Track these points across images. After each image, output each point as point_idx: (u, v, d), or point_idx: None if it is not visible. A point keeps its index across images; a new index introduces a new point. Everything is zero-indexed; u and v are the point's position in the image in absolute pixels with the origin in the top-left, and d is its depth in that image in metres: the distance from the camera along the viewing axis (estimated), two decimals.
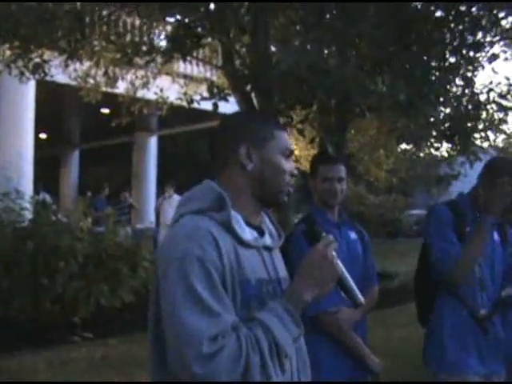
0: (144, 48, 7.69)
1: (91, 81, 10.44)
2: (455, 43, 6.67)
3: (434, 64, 6.57)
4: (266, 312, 1.77)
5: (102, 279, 8.62)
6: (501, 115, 8.82)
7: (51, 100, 14.84)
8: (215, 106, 6.53)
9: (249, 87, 6.68)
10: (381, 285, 3.88)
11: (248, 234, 1.92)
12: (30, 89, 12.83)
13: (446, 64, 6.67)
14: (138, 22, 9.07)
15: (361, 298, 1.93)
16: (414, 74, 5.95)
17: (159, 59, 7.73)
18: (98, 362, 7.42)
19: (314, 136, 7.21)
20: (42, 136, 19.69)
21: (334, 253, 1.87)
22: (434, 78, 6.37)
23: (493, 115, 8.64)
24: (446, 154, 10.23)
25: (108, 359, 7.53)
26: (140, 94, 11.22)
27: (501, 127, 9.13)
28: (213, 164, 2.03)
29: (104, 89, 10.61)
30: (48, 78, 9.10)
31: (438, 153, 10.29)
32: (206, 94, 7.08)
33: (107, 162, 22.24)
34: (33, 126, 13.26)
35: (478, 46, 6.90)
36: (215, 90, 6.68)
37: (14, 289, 8.14)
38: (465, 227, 3.38)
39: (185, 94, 9.78)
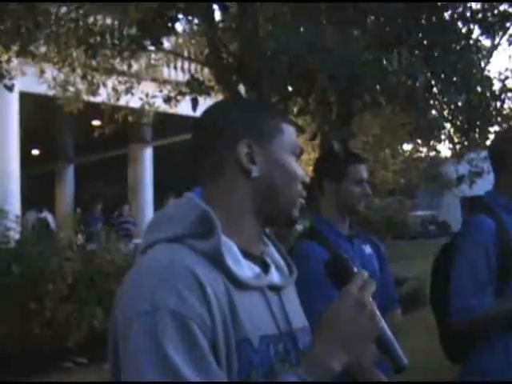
0: (111, 38, 6.98)
1: (71, 89, 9.84)
2: (479, 16, 5.94)
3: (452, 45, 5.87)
4: None
5: (95, 300, 8.15)
6: None
7: (41, 114, 14.42)
8: (195, 101, 5.95)
9: (235, 77, 6.00)
10: None
11: (246, 269, 1.37)
12: (13, 103, 12.40)
13: (470, 42, 5.96)
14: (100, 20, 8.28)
15: (405, 360, 1.36)
16: (432, 53, 5.28)
17: (129, 51, 7.05)
18: None
19: (315, 132, 6.47)
20: (35, 152, 19.28)
21: (370, 298, 1.32)
22: (454, 58, 5.66)
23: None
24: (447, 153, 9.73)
25: None
26: (124, 101, 10.57)
27: None
28: (195, 173, 1.48)
29: (86, 97, 9.96)
30: (30, 90, 8.59)
31: (448, 151, 9.74)
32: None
33: (103, 175, 21.81)
34: (18, 142, 12.76)
35: (506, 16, 6.23)
36: (195, 85, 6.12)
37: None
38: (510, 240, 2.74)
39: (160, 91, 9.15)
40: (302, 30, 4.77)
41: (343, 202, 2.96)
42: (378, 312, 1.32)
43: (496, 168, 2.93)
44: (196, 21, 7.02)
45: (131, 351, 1.21)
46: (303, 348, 1.38)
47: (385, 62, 4.72)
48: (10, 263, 7.89)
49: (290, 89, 5.50)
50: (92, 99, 10.06)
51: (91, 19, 7.53)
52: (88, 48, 6.88)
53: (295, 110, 6.27)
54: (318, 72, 4.66)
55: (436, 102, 6.28)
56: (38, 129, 15.13)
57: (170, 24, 5.48)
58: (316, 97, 5.60)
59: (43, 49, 8.10)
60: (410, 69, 4.78)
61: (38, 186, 19.38)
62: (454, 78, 5.61)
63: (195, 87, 6.28)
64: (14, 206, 11.77)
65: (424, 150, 10.14)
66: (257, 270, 1.40)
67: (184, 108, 9.34)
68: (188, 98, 7.55)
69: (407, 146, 11.26)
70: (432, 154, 10.57)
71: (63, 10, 7.00)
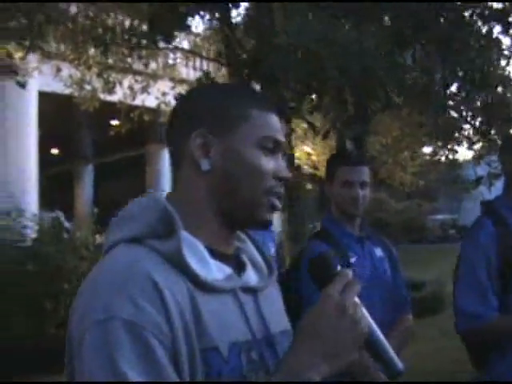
0: (122, 34, 6.80)
1: (87, 87, 9.76)
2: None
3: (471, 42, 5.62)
4: None
5: None
6: None
7: (60, 114, 14.46)
8: None
9: (247, 74, 5.79)
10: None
11: (215, 270, 1.21)
12: (32, 102, 12.47)
13: (490, 40, 5.71)
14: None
15: (399, 366, 1.22)
16: (450, 48, 5.05)
17: (138, 47, 6.88)
18: None
19: (327, 130, 6.18)
20: (54, 151, 19.36)
21: (356, 299, 1.15)
22: (473, 54, 5.42)
23: None
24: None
25: None
26: (140, 100, 10.51)
27: None
28: (171, 165, 1.34)
29: (102, 96, 9.88)
30: (48, 89, 8.58)
31: (467, 153, 9.51)
32: None
33: (122, 175, 21.85)
34: (36, 142, 12.78)
35: None
36: (206, 81, 5.97)
37: (14, 313, 7.67)
38: None
39: (172, 87, 8.99)
40: (316, 24, 4.58)
41: (335, 205, 2.90)
42: (365, 315, 1.17)
43: (504, 173, 2.89)
44: (208, 17, 6.91)
45: (84, 366, 1.07)
46: (282, 355, 1.22)
47: (398, 56, 4.55)
48: (26, 262, 7.90)
49: (303, 86, 5.30)
50: (109, 98, 10.05)
51: (104, 16, 7.42)
52: (100, 44, 6.72)
53: (308, 106, 6.09)
54: (331, 67, 4.45)
55: (454, 102, 6.07)
56: (58, 128, 15.16)
57: (181, 19, 5.32)
58: (329, 94, 5.38)
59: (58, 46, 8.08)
60: (425, 64, 4.58)
61: (56, 186, 19.44)
62: (472, 75, 5.37)
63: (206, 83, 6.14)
64: (31, 204, 11.80)
65: (442, 152, 9.95)
66: (227, 270, 1.24)
67: None
68: None
69: (427, 149, 11.17)
70: (450, 156, 10.39)
71: (73, 9, 6.88)
